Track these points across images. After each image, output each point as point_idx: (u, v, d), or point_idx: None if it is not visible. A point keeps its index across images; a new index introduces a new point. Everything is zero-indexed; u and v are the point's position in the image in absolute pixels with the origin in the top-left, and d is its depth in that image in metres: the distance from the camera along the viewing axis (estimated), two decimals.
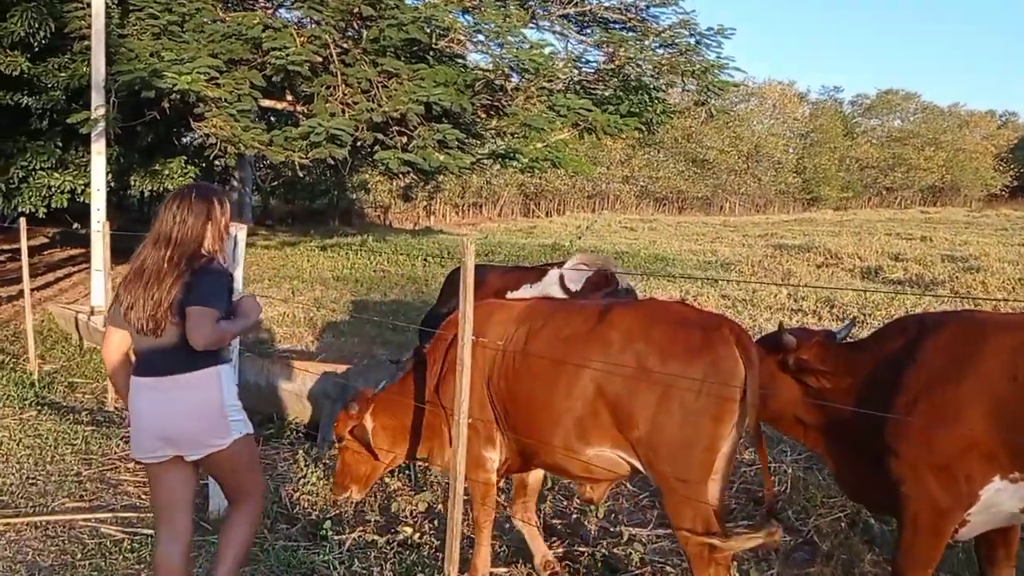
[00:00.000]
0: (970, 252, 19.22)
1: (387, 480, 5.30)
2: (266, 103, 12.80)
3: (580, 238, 24.10)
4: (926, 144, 57.67)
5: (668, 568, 4.39)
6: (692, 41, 13.42)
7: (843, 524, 4.95)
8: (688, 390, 3.39)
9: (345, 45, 12.14)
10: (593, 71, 14.35)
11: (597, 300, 5.16)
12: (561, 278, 6.43)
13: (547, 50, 12.71)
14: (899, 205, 56.41)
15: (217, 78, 10.90)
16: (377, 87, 11.65)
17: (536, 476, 4.45)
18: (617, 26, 14.27)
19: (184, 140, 15.54)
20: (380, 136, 11.74)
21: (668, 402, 3.41)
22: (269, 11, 13.33)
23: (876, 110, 62.65)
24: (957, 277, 15.08)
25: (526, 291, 6.39)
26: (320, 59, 11.72)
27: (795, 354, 3.70)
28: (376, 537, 4.68)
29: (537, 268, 7.05)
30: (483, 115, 13.83)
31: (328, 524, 4.86)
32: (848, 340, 3.98)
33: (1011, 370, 3.15)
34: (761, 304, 12.48)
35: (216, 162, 15.38)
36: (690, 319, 3.61)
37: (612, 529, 4.79)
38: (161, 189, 13.16)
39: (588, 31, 14.55)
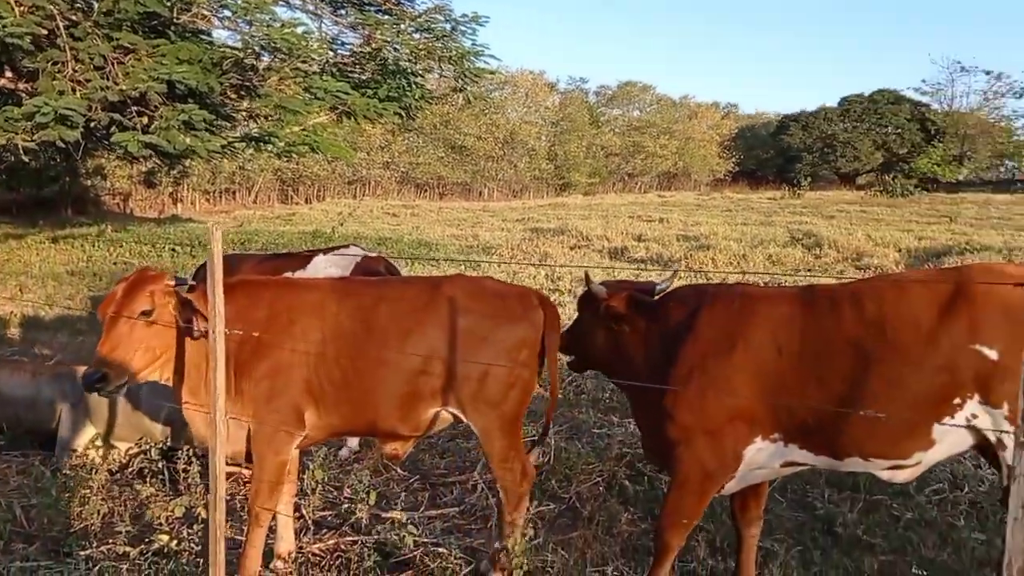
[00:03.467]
0: (701, 232, 21.13)
1: (138, 487, 4.93)
2: None
3: (342, 225, 23.68)
4: (661, 133, 62.36)
5: (441, 549, 4.44)
6: (448, 27, 13.55)
7: (602, 488, 5.27)
8: (513, 349, 3.99)
9: (74, 17, 11.02)
10: (349, 53, 14.09)
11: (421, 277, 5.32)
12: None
13: (300, 30, 12.28)
14: (639, 190, 60.64)
15: None
16: (112, 63, 10.69)
17: (295, 464, 4.35)
18: (372, 8, 14.09)
19: None
20: (117, 117, 10.79)
21: (498, 361, 3.93)
22: None
23: (617, 100, 66.81)
24: (691, 254, 16.51)
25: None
26: (45, 32, 10.55)
27: (605, 302, 4.01)
28: (128, 548, 4.34)
29: (300, 254, 6.80)
30: (233, 96, 13.15)
31: (72, 539, 4.45)
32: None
33: (776, 342, 3.46)
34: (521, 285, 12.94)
35: None
36: (505, 290, 4.22)
37: (384, 516, 4.78)
38: None
39: (343, 12, 14.24)
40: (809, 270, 14.72)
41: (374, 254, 6.60)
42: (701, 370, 3.57)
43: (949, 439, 3.34)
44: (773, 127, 68.38)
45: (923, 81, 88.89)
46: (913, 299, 3.33)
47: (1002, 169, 66.97)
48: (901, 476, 3.55)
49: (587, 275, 4.20)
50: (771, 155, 65.79)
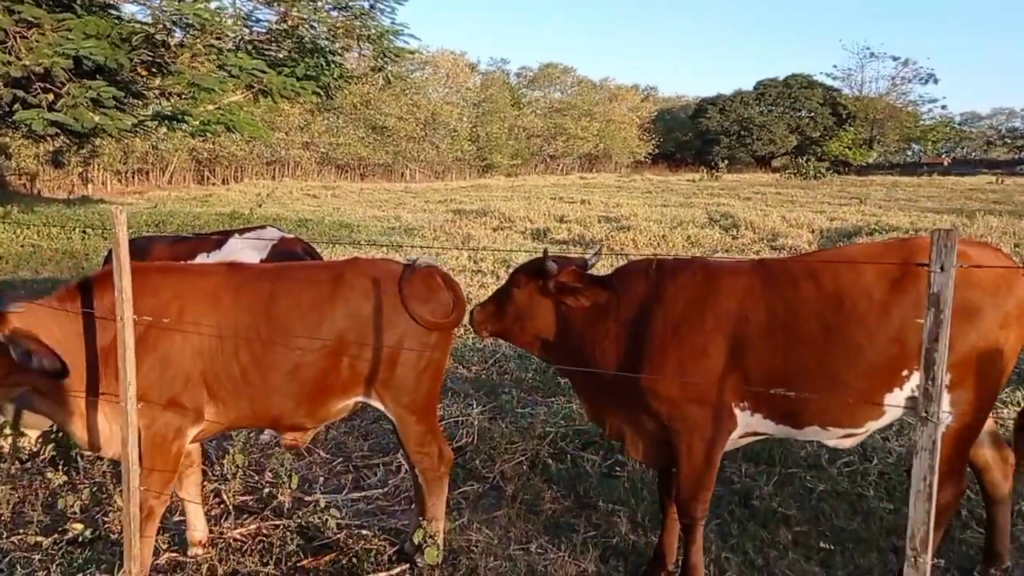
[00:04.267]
0: (622, 213, 21.42)
1: (50, 475, 4.78)
2: None
3: (260, 206, 23.21)
4: (582, 115, 62.85)
5: (365, 531, 4.44)
6: (366, 5, 13.39)
7: (525, 467, 5.33)
8: (421, 331, 3.89)
9: None
10: (265, 31, 13.79)
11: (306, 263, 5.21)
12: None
13: (213, 5, 11.97)
14: (561, 171, 61.06)
15: None
16: (14, 37, 10.23)
17: (198, 449, 4.27)
18: None
19: None
20: (21, 94, 10.35)
21: (409, 346, 3.85)
22: None
23: (539, 82, 67.01)
24: (613, 235, 16.72)
25: (203, 261, 5.99)
26: None
27: (555, 278, 3.94)
28: (40, 538, 4.21)
29: (211, 236, 6.58)
30: (144, 73, 12.77)
31: None
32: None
33: (743, 311, 3.55)
34: (444, 267, 12.91)
35: None
36: (404, 272, 4.01)
37: (307, 499, 4.74)
38: None
39: None
40: (727, 250, 15.09)
41: (291, 236, 6.46)
42: (676, 341, 3.60)
43: (893, 410, 3.51)
44: (692, 110, 69.62)
45: (835, 66, 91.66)
46: (867, 272, 3.48)
47: (909, 153, 69.82)
48: (848, 443, 3.73)
49: (546, 251, 4.16)
50: (690, 138, 67.02)
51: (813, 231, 17.47)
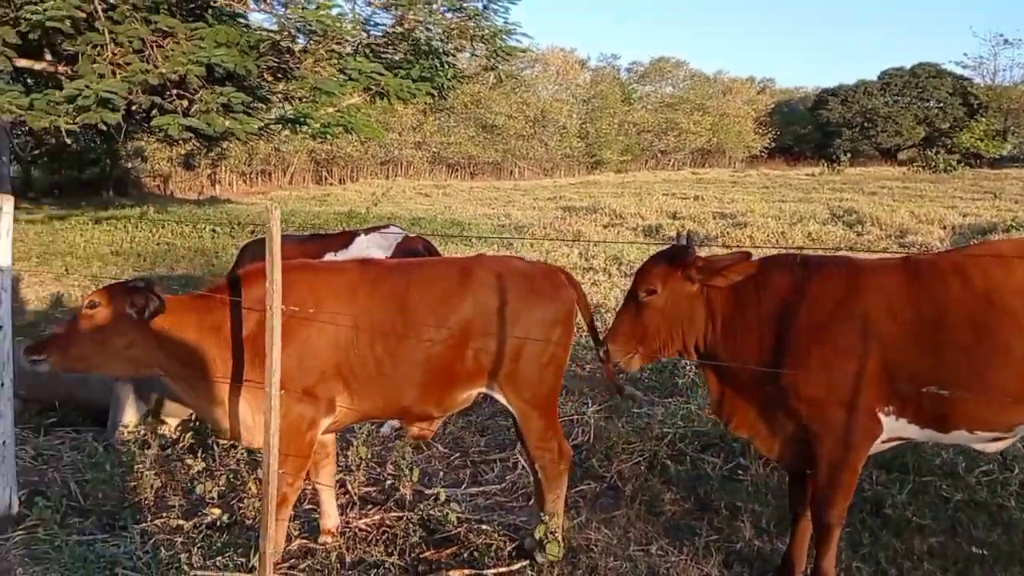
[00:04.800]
0: (737, 209, 20.92)
1: (189, 462, 5.04)
2: (22, 63, 11.53)
3: (376, 205, 23.82)
4: (694, 109, 61.59)
5: (485, 526, 4.50)
6: (480, 6, 13.49)
7: (643, 467, 5.29)
8: (546, 328, 3.97)
9: (113, 0, 11.15)
10: (382, 34, 14.09)
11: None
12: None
13: (334, 11, 12.32)
14: (672, 167, 60.07)
15: None
16: (151, 47, 10.81)
17: (333, 439, 4.42)
18: None
19: None
20: (158, 100, 10.93)
21: (534, 340, 3.91)
22: None
23: (650, 77, 66.09)
24: (728, 232, 16.36)
25: (331, 258, 6.22)
26: (84, 15, 10.68)
27: (723, 271, 3.68)
28: (182, 522, 4.46)
29: (339, 235, 6.87)
30: (270, 78, 13.24)
31: (127, 513, 4.58)
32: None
33: (891, 310, 3.42)
34: (556, 264, 12.95)
35: None
36: (533, 269, 4.18)
37: (427, 492, 4.84)
38: None
39: None
40: (851, 248, 14.52)
41: (413, 234, 6.66)
42: (821, 340, 3.47)
43: None
44: (811, 102, 67.19)
45: (965, 55, 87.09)
46: (1019, 269, 3.32)
47: None
48: (995, 447, 3.58)
49: (689, 234, 3.92)
50: (809, 130, 64.73)
51: (945, 227, 16.61)
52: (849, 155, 53.97)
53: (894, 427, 3.51)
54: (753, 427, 3.81)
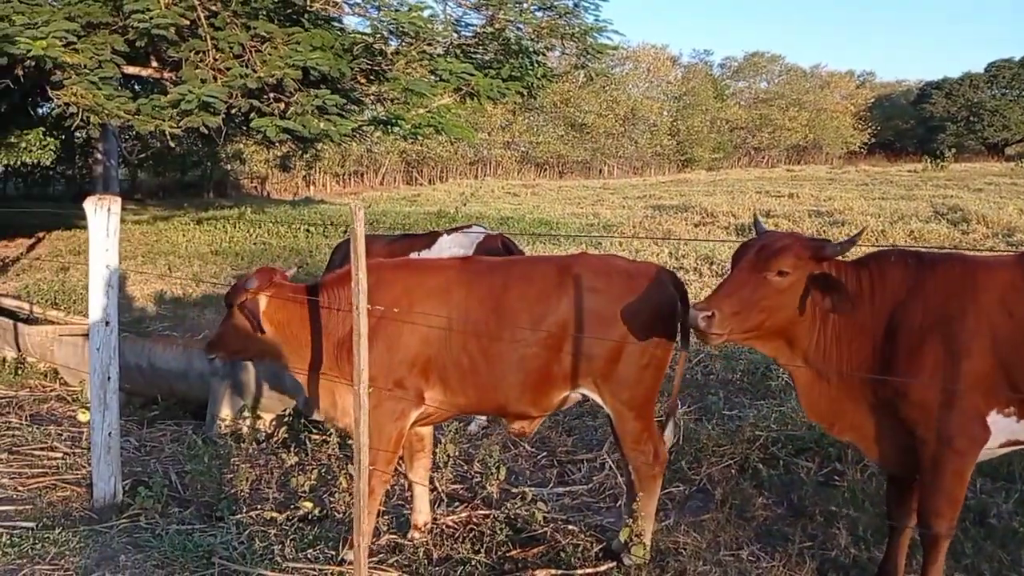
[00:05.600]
0: (835, 207, 20.25)
1: (283, 456, 5.17)
2: (130, 70, 12.06)
3: (465, 204, 24.02)
4: (790, 105, 60.03)
5: (572, 526, 4.47)
6: (570, 4, 13.43)
7: (733, 471, 5.16)
8: (645, 327, 3.84)
9: (214, 7, 11.54)
10: (472, 35, 14.17)
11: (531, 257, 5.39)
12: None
13: (426, 13, 12.46)
14: (767, 164, 58.68)
15: (75, 43, 10.18)
16: (250, 52, 11.16)
17: (431, 434, 4.47)
18: None
19: (41, 110, 14.51)
20: (256, 103, 11.27)
21: (630, 340, 3.84)
22: None
23: (743, 72, 64.74)
24: (824, 231, 15.84)
25: (415, 257, 6.32)
26: (187, 22, 11.11)
27: (825, 263, 3.47)
28: (275, 514, 4.57)
29: (424, 235, 6.97)
30: (363, 80, 13.48)
31: (224, 504, 4.72)
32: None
33: (1006, 307, 3.26)
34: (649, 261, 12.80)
35: (77, 133, 14.48)
36: (634, 268, 4.10)
37: (514, 491, 4.83)
38: (18, 163, 12.27)
39: None
40: (956, 246, 13.87)
41: (495, 232, 6.72)
42: (934, 339, 3.30)
43: None
44: (913, 96, 64.66)
45: None
46: None
47: None
48: None
49: (755, 218, 3.82)
50: (911, 125, 62.29)
51: None
52: (954, 150, 51.59)
53: (1014, 429, 3.33)
54: (857, 430, 3.60)
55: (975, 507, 4.52)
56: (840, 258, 3.57)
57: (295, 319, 4.15)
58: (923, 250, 3.62)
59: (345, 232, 13.85)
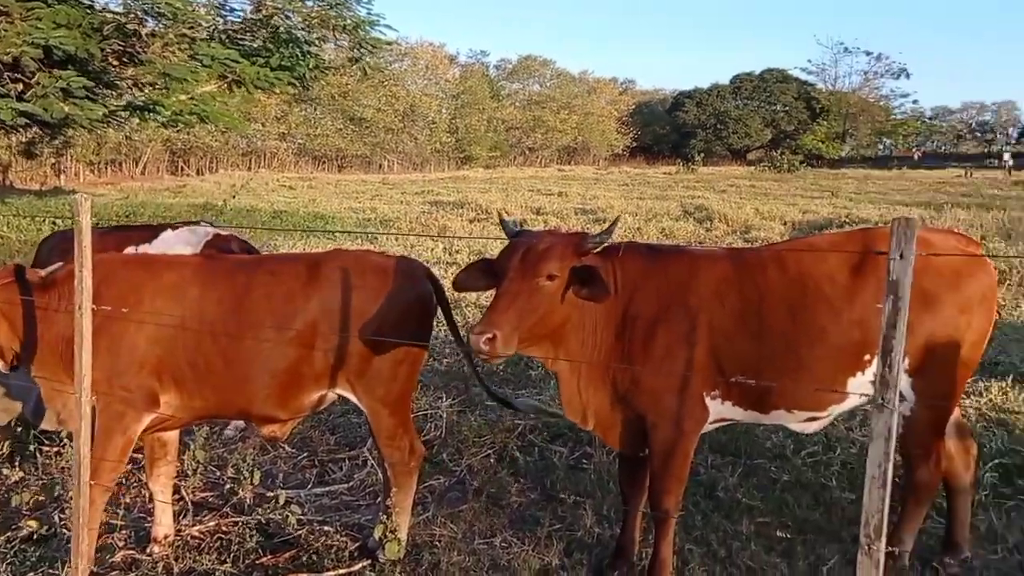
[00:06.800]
0: (599, 205, 21.48)
1: (6, 472, 4.69)
2: None
3: (235, 197, 22.97)
4: (561, 108, 62.79)
5: (326, 527, 4.39)
6: None
7: (492, 460, 5.30)
8: (400, 323, 3.79)
9: None
10: (240, 20, 13.58)
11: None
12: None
13: None
14: (540, 164, 61.00)
15: None
16: None
17: (174, 445, 4.23)
18: None
19: None
20: None
21: (384, 337, 3.76)
22: None
23: (518, 74, 66.88)
24: (588, 228, 16.70)
25: (132, 252, 5.78)
26: None
27: (582, 257, 3.49)
28: None
29: (144, 227, 6.40)
30: (116, 63, 12.53)
31: None
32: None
33: (720, 297, 3.55)
34: (419, 258, 12.86)
35: None
36: (387, 265, 3.97)
37: (268, 495, 4.67)
38: None
39: None
40: (700, 242, 15.13)
41: (225, 231, 6.32)
42: (662, 328, 3.54)
43: (855, 395, 3.54)
44: (669, 103, 69.73)
45: (809, 61, 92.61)
46: (831, 259, 3.52)
47: (880, 147, 70.54)
48: (812, 427, 3.77)
49: (502, 218, 3.82)
50: (667, 131, 67.17)
51: (785, 223, 17.59)
52: (703, 155, 56.39)
53: (719, 410, 3.66)
54: (603, 423, 3.81)
55: (705, 481, 4.94)
56: None
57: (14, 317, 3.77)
58: (655, 244, 3.92)
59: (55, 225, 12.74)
